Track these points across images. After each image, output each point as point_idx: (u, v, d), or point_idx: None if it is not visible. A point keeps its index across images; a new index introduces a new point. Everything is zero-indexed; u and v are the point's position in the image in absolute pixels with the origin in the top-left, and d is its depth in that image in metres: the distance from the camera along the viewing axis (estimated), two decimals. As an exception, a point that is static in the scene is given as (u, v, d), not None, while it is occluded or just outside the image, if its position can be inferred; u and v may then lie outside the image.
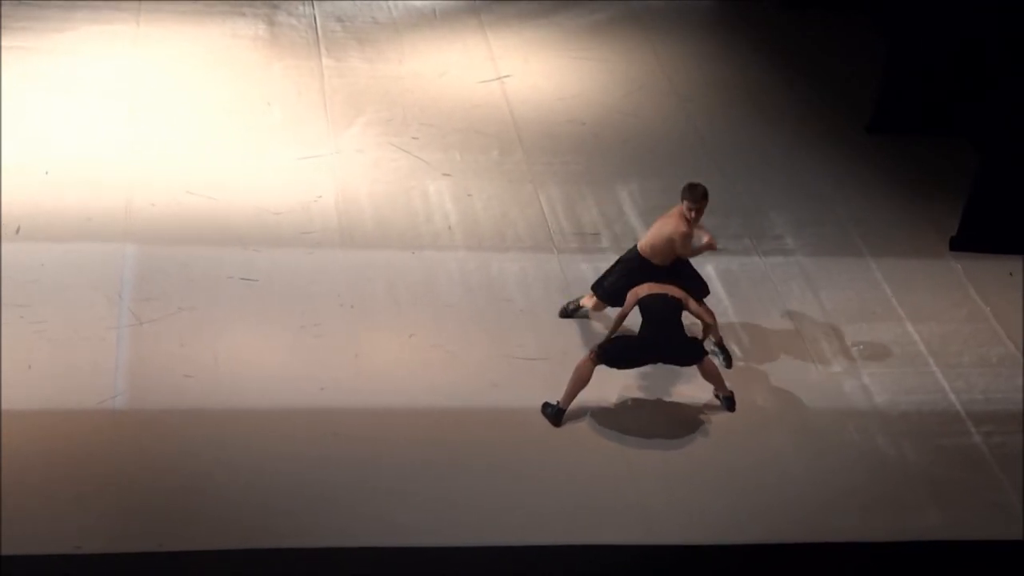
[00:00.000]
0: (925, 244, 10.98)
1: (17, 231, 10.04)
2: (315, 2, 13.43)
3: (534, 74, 12.77)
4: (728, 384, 9.21)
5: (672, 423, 9.10)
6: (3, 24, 12.45)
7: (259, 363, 9.23)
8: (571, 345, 9.53)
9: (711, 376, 9.14)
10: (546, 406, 9.01)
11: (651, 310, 8.94)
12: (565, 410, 8.98)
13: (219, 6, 13.15)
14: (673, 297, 8.96)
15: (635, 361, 9.06)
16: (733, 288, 10.33)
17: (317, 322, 9.56)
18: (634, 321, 9.07)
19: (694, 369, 9.10)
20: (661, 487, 8.60)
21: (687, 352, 9.03)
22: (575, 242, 10.67)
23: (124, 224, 10.24)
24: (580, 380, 8.92)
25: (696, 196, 9.27)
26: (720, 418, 9.15)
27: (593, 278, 10.13)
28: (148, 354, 9.13)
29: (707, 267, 10.41)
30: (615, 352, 8.96)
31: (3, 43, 12.16)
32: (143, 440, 8.54)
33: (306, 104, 11.82)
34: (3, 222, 10.07)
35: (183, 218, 10.38)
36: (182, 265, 9.92)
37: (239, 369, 9.12)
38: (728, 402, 9.22)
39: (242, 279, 9.86)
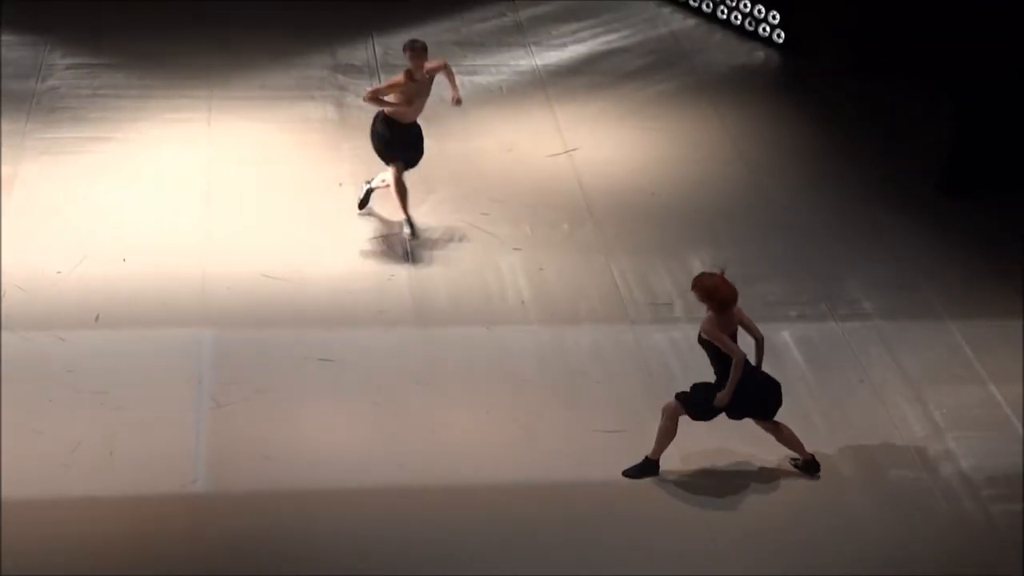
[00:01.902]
0: (1004, 305, 10.84)
1: (96, 319, 10.16)
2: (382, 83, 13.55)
3: (602, 146, 12.81)
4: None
5: (752, 490, 9.00)
6: (81, 115, 12.68)
7: (338, 443, 9.25)
8: (650, 416, 9.46)
9: (790, 441, 9.04)
10: (630, 470, 8.94)
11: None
12: (656, 460, 8.91)
13: (288, 91, 13.34)
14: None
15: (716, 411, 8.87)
16: (811, 354, 10.23)
17: (394, 400, 9.58)
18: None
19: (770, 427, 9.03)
20: (744, 558, 8.49)
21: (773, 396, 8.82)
22: (649, 312, 10.63)
23: (201, 309, 10.34)
24: (668, 432, 8.86)
25: (411, 47, 10.77)
26: (801, 484, 9.04)
27: (668, 348, 10.16)
28: (227, 437, 9.18)
29: (783, 334, 10.34)
30: (698, 401, 8.82)
31: (81, 134, 12.39)
32: (224, 523, 8.57)
33: (377, 184, 11.90)
34: (83, 311, 10.20)
35: (259, 301, 10.47)
36: (259, 347, 10.00)
37: (318, 449, 9.15)
38: (810, 467, 9.10)
39: (319, 359, 9.91)
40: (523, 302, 10.71)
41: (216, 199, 11.66)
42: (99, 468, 8.84)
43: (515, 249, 11.29)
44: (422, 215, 11.59)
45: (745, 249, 11.40)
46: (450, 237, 11.37)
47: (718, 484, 9.02)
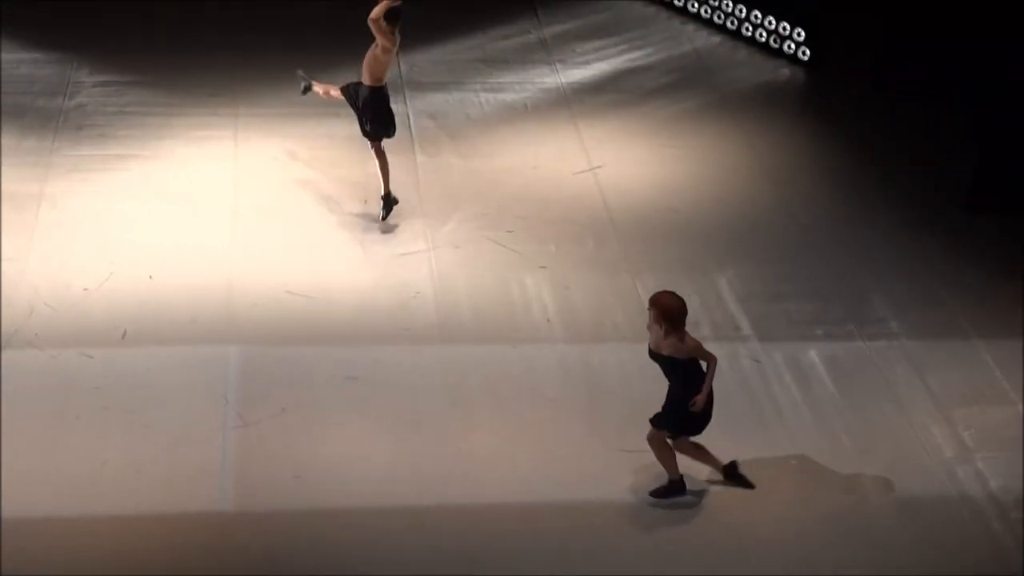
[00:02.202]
0: (1033, 324, 10.80)
1: (123, 336, 10.19)
2: (408, 100, 13.61)
3: (626, 163, 12.81)
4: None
5: (779, 511, 8.97)
6: (108, 133, 12.74)
7: (363, 460, 9.25)
8: (675, 436, 9.46)
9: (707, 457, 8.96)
10: (656, 491, 8.95)
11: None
12: (679, 480, 8.92)
13: (314, 108, 13.33)
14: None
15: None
16: (837, 374, 10.20)
17: (419, 418, 9.58)
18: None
19: (804, 454, 9.02)
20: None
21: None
22: (674, 331, 10.61)
23: (227, 326, 10.36)
24: (663, 449, 8.85)
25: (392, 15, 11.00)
26: (829, 507, 9.00)
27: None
28: (253, 455, 9.19)
29: (810, 353, 10.32)
30: (673, 418, 8.78)
31: (108, 152, 12.44)
32: (250, 541, 8.58)
33: (401, 201, 11.92)
34: (110, 328, 10.23)
35: (284, 318, 10.49)
36: (285, 365, 10.01)
37: (344, 467, 9.16)
38: (737, 476, 9.02)
39: (344, 377, 9.92)
40: (548, 320, 10.71)
41: (242, 216, 11.69)
42: (126, 485, 8.87)
43: (540, 267, 11.29)
44: (447, 232, 11.60)
45: (770, 267, 11.38)
46: (475, 255, 11.38)
47: (744, 505, 9.00)
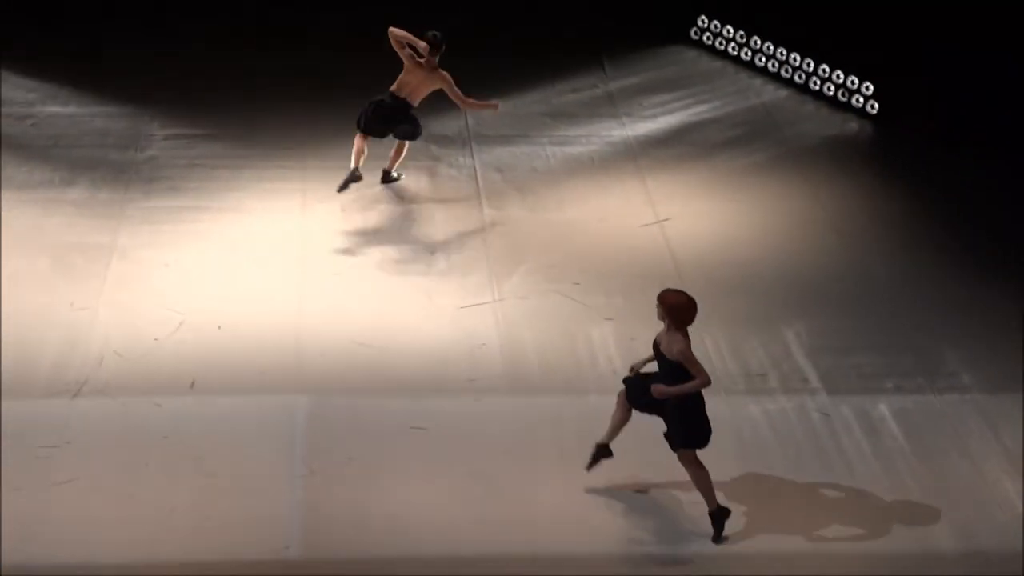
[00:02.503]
0: (1106, 378, 10.64)
1: (192, 385, 10.26)
2: (475, 152, 13.69)
3: (693, 216, 12.79)
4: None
5: (851, 562, 8.85)
6: (178, 185, 12.90)
7: (428, 511, 9.22)
8: (743, 489, 9.36)
9: (696, 480, 8.88)
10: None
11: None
12: (604, 443, 9.17)
13: (380, 161, 13.45)
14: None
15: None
16: (909, 428, 10.08)
17: (485, 469, 9.56)
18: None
19: (874, 507, 8.91)
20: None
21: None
22: (742, 383, 10.55)
23: (294, 376, 10.41)
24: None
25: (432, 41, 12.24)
26: (900, 562, 8.87)
27: (763, 419, 10.08)
28: (320, 504, 9.20)
29: (879, 406, 10.22)
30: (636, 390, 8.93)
31: (178, 203, 12.59)
32: (317, 591, 8.59)
33: (469, 253, 11.98)
34: (179, 377, 10.31)
35: (351, 368, 10.52)
36: (351, 415, 10.04)
37: (409, 518, 9.13)
38: (715, 521, 8.88)
39: (411, 427, 9.92)
40: (615, 372, 10.65)
41: (310, 267, 11.77)
42: (194, 533, 8.89)
43: (606, 319, 11.27)
44: (513, 284, 11.61)
45: (839, 320, 11.29)
46: (541, 306, 11.38)
47: (816, 560, 8.88)
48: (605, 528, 9.10)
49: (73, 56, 15.21)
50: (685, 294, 8.93)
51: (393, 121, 12.61)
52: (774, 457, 9.72)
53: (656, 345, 8.92)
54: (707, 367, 10.63)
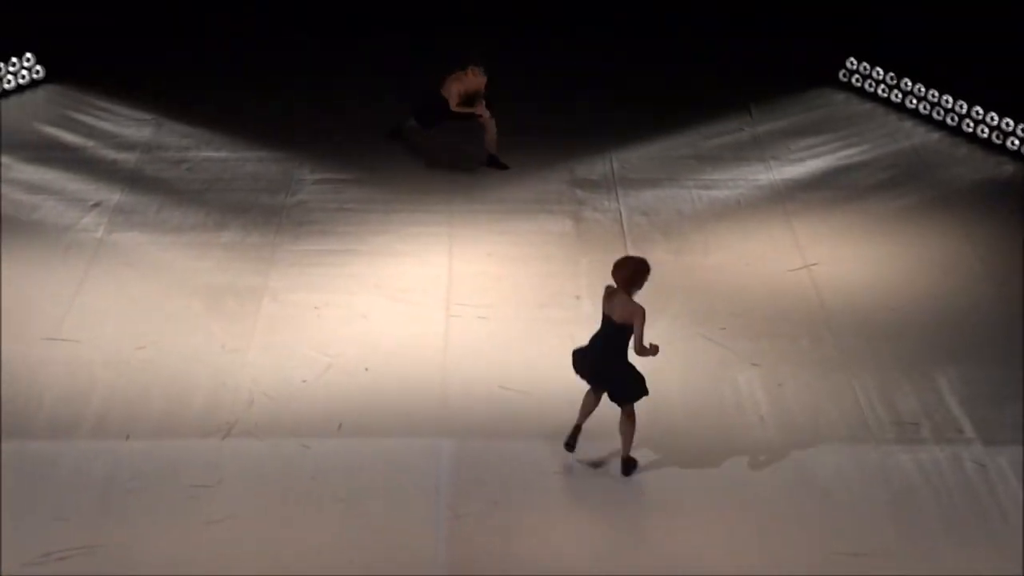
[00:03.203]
0: None
1: (339, 427, 10.37)
2: (620, 197, 13.68)
3: (842, 261, 12.61)
4: None
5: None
6: (327, 229, 13.09)
7: (574, 556, 9.19)
8: (895, 540, 9.17)
9: (627, 429, 9.72)
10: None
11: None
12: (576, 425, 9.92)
13: (527, 205, 13.54)
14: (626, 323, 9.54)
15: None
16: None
17: (631, 516, 9.52)
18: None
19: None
20: None
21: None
22: (893, 432, 10.34)
23: (440, 419, 10.46)
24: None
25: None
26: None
27: (915, 470, 9.92)
28: (465, 547, 9.21)
29: (1037, 458, 9.96)
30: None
31: (327, 247, 12.77)
32: (461, 635, 8.59)
33: (613, 297, 11.94)
34: (327, 419, 10.43)
35: (498, 412, 10.55)
36: (496, 459, 10.05)
37: (554, 562, 9.10)
38: (626, 466, 9.75)
39: (555, 472, 9.90)
40: (761, 418, 10.54)
41: (456, 310, 11.84)
42: (339, 573, 8.95)
43: (753, 364, 11.14)
44: (659, 328, 11.54)
45: (993, 369, 11.03)
46: (687, 351, 11.30)
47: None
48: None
49: (226, 103, 15.56)
50: (642, 259, 9.90)
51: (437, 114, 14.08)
52: (928, 509, 9.50)
53: (608, 313, 9.69)
54: (855, 414, 10.58)
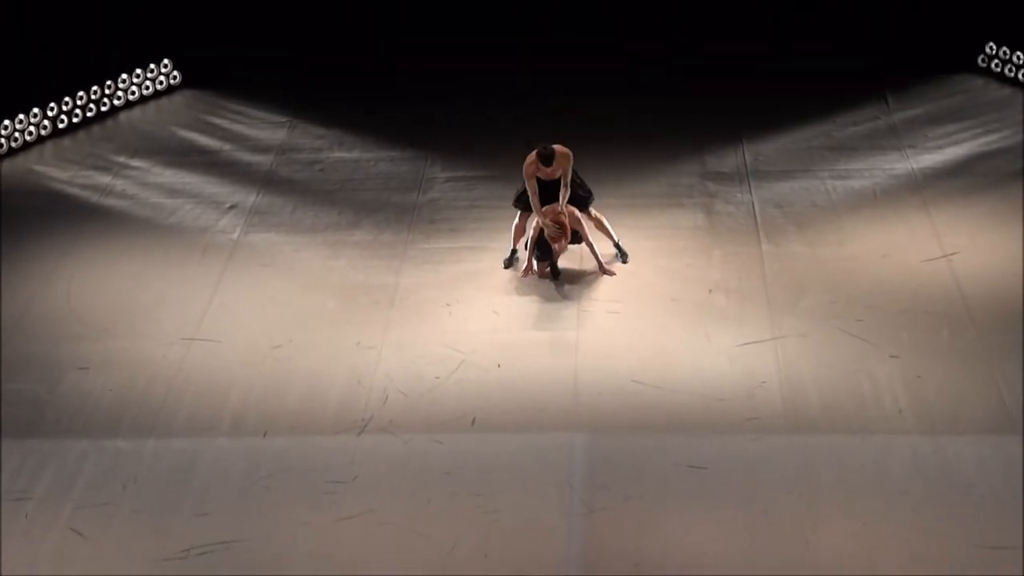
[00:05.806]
0: None
1: (472, 423, 10.41)
2: (753, 189, 13.53)
3: (983, 250, 12.32)
4: None
5: None
6: (458, 226, 13.12)
7: (707, 552, 9.09)
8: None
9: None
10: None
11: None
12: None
13: (658, 199, 13.46)
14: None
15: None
16: None
17: (766, 510, 9.37)
18: None
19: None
20: None
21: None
22: (1035, 425, 10.09)
23: (573, 414, 10.44)
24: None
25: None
26: None
27: (1061, 463, 9.63)
28: (598, 542, 9.17)
29: None
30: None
31: (458, 244, 12.82)
32: (596, 630, 8.56)
33: (747, 290, 11.81)
34: (460, 414, 10.48)
35: (630, 406, 10.49)
36: (629, 453, 9.99)
37: (687, 558, 9.03)
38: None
39: (689, 466, 9.82)
40: (900, 411, 10.34)
41: (587, 306, 11.81)
42: (474, 570, 8.98)
43: (891, 356, 10.93)
44: (794, 321, 11.40)
45: None
46: (823, 343, 11.12)
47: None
48: (895, 571, 8.79)
49: (359, 104, 15.72)
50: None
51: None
52: (1074, 502, 9.25)
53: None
54: (997, 407, 10.32)
